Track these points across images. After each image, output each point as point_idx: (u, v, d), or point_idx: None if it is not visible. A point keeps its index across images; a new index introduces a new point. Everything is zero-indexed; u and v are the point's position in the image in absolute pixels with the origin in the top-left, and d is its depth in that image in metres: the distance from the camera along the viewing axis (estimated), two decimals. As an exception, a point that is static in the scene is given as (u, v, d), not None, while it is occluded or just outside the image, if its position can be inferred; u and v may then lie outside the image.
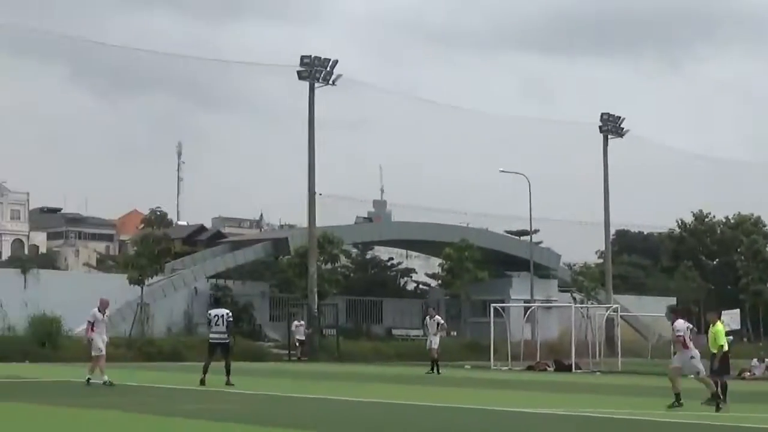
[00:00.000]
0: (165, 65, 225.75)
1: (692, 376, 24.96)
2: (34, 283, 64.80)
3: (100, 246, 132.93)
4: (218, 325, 30.26)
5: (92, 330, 29.77)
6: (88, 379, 29.23)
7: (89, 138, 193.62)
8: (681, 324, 24.74)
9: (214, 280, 75.31)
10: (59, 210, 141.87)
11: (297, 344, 59.59)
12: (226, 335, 30.45)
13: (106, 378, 28.91)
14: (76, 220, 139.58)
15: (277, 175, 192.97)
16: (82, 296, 61.43)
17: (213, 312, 30.90)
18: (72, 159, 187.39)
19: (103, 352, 29.79)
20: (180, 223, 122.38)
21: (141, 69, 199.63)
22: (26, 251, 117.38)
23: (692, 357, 24.42)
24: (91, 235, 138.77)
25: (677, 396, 24.01)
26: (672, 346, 27.32)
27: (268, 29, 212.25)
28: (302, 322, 60.39)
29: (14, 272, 67.31)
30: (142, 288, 61.37)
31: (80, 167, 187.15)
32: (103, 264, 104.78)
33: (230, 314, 30.94)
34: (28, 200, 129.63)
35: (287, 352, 61.24)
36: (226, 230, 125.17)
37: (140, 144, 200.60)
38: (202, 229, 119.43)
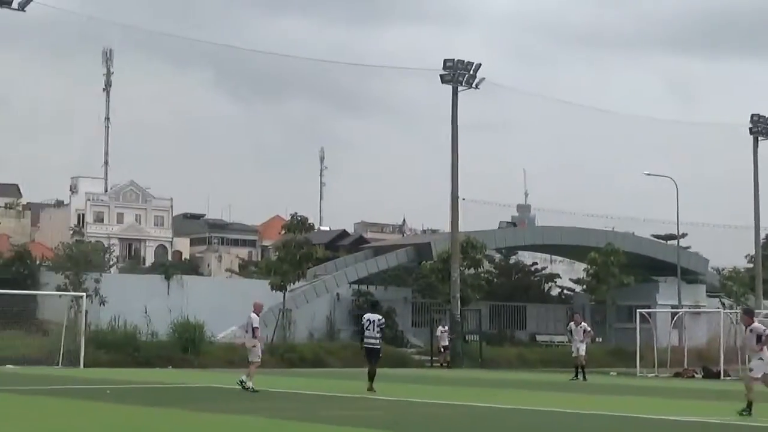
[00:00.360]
0: (307, 70, 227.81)
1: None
2: (178, 289, 65.91)
3: (243, 252, 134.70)
4: (369, 330, 30.32)
5: (254, 336, 29.99)
6: (242, 381, 29.41)
7: (232, 143, 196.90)
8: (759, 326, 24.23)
9: (356, 286, 75.64)
10: (202, 216, 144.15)
11: (441, 350, 59.04)
12: (377, 341, 30.47)
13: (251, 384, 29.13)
14: (218, 225, 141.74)
15: (419, 180, 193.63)
16: (224, 302, 62.80)
17: (366, 316, 30.99)
18: (215, 165, 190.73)
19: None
20: (322, 228, 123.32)
21: (283, 74, 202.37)
22: (170, 257, 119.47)
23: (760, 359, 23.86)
24: (234, 240, 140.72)
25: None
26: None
27: (410, 32, 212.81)
28: (446, 328, 59.99)
29: (158, 278, 68.56)
30: (284, 294, 61.82)
31: (223, 173, 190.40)
32: (245, 270, 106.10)
33: (382, 320, 30.98)
34: (171, 206, 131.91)
35: (430, 358, 61.10)
36: (368, 235, 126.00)
37: (282, 149, 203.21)
38: (344, 234, 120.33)
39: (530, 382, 41.21)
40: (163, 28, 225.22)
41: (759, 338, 23.96)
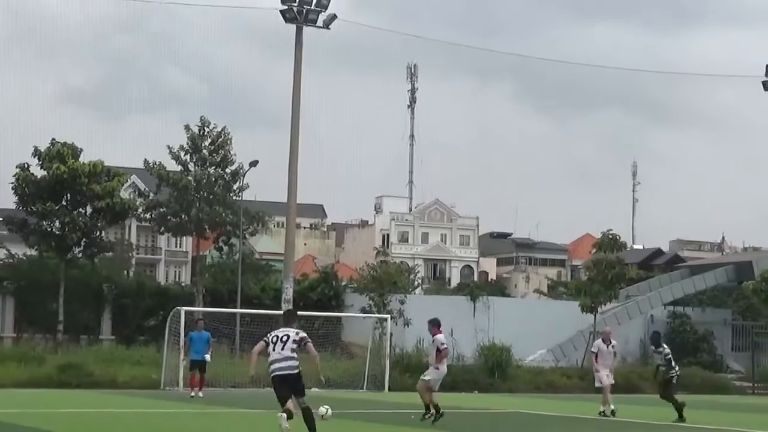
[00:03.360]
0: (615, 80, 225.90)
1: None
2: (484, 310, 66.53)
3: (552, 272, 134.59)
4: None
5: (596, 361, 31.71)
6: (603, 412, 30.99)
7: (539, 159, 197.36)
8: None
9: (671, 308, 74.54)
10: (509, 235, 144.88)
11: None
12: (666, 367, 30.52)
13: (603, 408, 30.95)
14: (526, 245, 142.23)
15: (739, 195, 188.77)
16: (532, 324, 63.04)
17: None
18: (522, 181, 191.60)
19: (604, 384, 31.16)
20: (635, 246, 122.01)
21: (589, 84, 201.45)
22: (475, 277, 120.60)
23: None
24: (542, 260, 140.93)
25: None
26: None
27: (727, 36, 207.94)
28: None
29: (463, 299, 69.42)
30: (594, 315, 61.50)
31: (530, 190, 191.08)
32: (554, 290, 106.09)
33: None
34: (477, 225, 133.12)
35: (751, 384, 59.56)
36: (684, 254, 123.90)
37: (592, 164, 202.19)
38: (658, 252, 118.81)
39: None
40: (465, 40, 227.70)
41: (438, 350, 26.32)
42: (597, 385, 31.33)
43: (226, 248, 71.49)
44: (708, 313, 75.49)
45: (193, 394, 37.69)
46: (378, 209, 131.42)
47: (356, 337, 56.14)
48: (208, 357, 38.76)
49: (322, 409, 19.91)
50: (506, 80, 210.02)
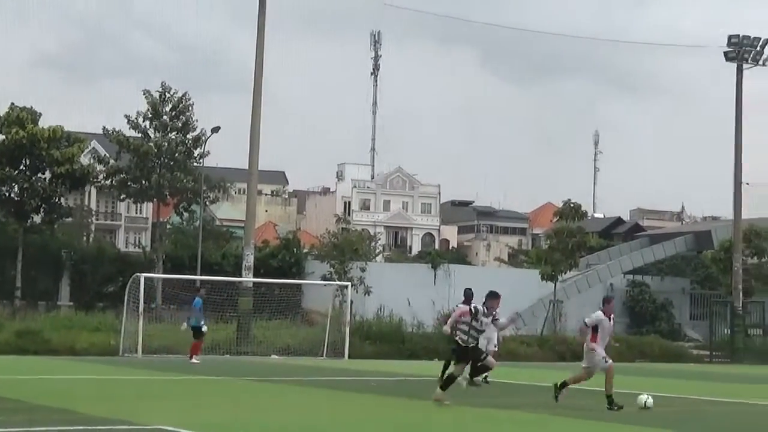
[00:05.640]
0: (579, 49, 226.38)
1: None
2: (444, 278, 66.74)
3: (513, 240, 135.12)
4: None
5: (594, 339, 23.11)
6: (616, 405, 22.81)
7: (502, 128, 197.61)
8: None
9: (631, 276, 75.02)
10: (471, 203, 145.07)
11: None
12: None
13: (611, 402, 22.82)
14: (487, 213, 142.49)
15: (700, 164, 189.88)
16: (493, 292, 63.28)
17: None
18: (485, 150, 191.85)
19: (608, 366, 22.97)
20: (596, 215, 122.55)
21: (554, 53, 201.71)
22: (436, 246, 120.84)
23: None
24: (503, 228, 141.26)
25: None
26: None
27: (690, 7, 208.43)
28: None
29: (424, 267, 69.59)
30: (555, 284, 61.81)
31: (493, 158, 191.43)
32: (514, 259, 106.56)
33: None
34: (439, 193, 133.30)
35: (709, 353, 60.16)
36: (644, 223, 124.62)
37: (556, 133, 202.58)
38: (619, 221, 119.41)
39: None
40: (430, 7, 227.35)
41: None
42: (602, 366, 22.66)
43: (186, 215, 71.42)
44: (667, 282, 76.03)
45: (195, 360, 38.50)
46: (340, 177, 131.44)
47: (316, 304, 56.20)
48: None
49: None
50: (471, 48, 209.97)
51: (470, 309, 23.30)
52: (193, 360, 38.59)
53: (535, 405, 23.31)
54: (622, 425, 19.93)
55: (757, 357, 58.92)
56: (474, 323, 22.84)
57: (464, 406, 22.37)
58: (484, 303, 23.21)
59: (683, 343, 65.02)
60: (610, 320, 23.43)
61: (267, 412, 21.00)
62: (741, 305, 62.42)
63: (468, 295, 27.41)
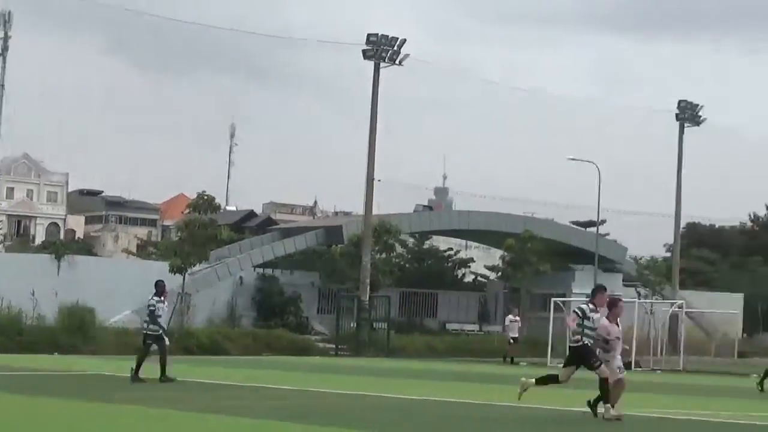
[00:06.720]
0: (218, 40, 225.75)
1: None
2: (69, 269, 65.21)
3: (143, 231, 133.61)
4: None
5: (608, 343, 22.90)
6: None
7: (135, 116, 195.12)
8: None
9: (261, 270, 75.48)
10: (100, 192, 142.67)
11: (510, 342, 55.33)
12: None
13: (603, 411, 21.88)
14: (117, 203, 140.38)
15: (334, 160, 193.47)
16: (119, 284, 62.24)
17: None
18: (116, 139, 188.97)
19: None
20: (229, 208, 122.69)
21: (191, 43, 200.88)
22: (62, 236, 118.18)
23: None
24: (133, 219, 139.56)
25: None
26: None
27: (331, 5, 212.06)
28: (518, 318, 56.66)
29: (47, 258, 67.78)
30: (183, 276, 61.46)
31: (125, 148, 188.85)
32: (144, 250, 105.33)
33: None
34: (67, 182, 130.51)
35: (334, 346, 61.30)
36: (277, 216, 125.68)
37: (190, 124, 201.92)
38: (251, 215, 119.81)
39: (438, 372, 41.53)
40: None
41: None
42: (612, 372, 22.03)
43: None
44: (296, 275, 76.82)
45: None
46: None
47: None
48: None
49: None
50: (104, 34, 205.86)
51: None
52: None
53: (161, 399, 22.96)
54: (226, 416, 19.91)
55: (381, 350, 60.49)
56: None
57: (81, 401, 21.75)
58: (590, 300, 22.69)
59: (310, 337, 65.97)
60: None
61: None
62: (368, 299, 63.88)
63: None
